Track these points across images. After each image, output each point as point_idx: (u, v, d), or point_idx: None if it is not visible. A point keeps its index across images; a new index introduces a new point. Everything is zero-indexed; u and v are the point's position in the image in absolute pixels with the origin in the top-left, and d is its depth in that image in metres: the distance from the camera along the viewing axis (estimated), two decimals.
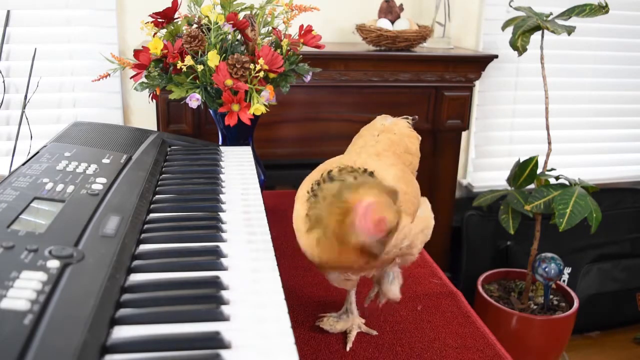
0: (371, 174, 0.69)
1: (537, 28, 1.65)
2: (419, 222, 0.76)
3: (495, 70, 2.17)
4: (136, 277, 0.60)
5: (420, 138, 0.89)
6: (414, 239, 0.74)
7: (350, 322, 0.85)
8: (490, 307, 1.81)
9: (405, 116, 0.91)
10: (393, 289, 0.82)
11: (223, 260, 0.65)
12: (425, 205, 0.79)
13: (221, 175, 0.94)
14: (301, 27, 1.16)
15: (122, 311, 0.54)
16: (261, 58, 1.04)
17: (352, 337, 0.83)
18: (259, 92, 1.06)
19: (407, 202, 0.72)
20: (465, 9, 2.14)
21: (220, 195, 0.84)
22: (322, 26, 1.93)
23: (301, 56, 1.18)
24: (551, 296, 1.89)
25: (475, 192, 2.20)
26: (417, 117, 0.92)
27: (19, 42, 1.80)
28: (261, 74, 1.05)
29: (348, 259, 0.66)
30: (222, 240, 0.71)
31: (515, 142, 2.32)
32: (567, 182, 1.69)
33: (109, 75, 1.13)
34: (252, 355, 0.49)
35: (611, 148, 2.46)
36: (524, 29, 1.64)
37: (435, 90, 1.89)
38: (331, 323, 0.85)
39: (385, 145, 0.81)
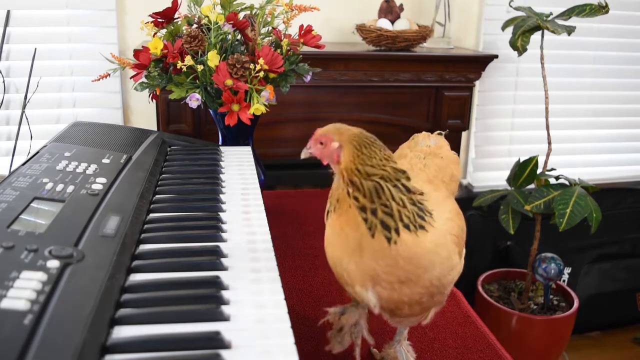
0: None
1: (537, 28, 1.65)
2: (461, 266, 0.72)
3: (495, 70, 2.17)
4: (136, 277, 0.60)
5: (459, 161, 0.87)
6: (452, 284, 0.71)
7: (356, 315, 0.80)
8: (490, 307, 1.81)
9: (439, 132, 0.88)
10: None
11: (223, 260, 0.65)
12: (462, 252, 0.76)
13: (221, 175, 0.94)
14: (301, 27, 1.16)
15: (122, 311, 0.54)
16: (261, 58, 1.04)
17: (357, 353, 0.78)
18: (259, 92, 1.06)
19: (462, 240, 0.69)
20: (465, 9, 2.14)
21: (220, 195, 0.84)
22: (322, 26, 1.94)
23: (301, 56, 1.18)
24: (551, 296, 1.89)
25: (475, 192, 2.20)
26: (446, 131, 0.90)
27: (19, 42, 1.80)
28: (261, 74, 1.05)
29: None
30: (222, 240, 0.71)
31: (515, 142, 2.32)
32: (567, 182, 1.69)
33: (109, 75, 1.13)
34: (252, 355, 0.49)
35: (611, 148, 2.46)
36: (524, 29, 1.64)
37: (435, 90, 1.89)
38: (334, 312, 0.83)
39: (434, 172, 0.78)
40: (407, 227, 0.61)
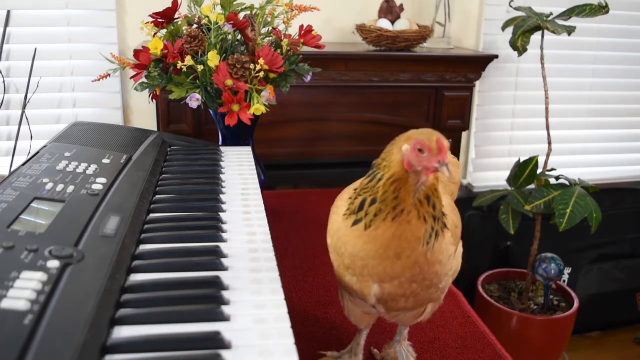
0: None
1: (537, 28, 1.65)
2: (457, 262, 0.73)
3: (495, 70, 2.17)
4: (136, 277, 0.60)
5: (459, 165, 0.88)
6: (449, 280, 0.71)
7: None
8: (490, 307, 1.81)
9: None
10: None
11: (223, 260, 0.65)
12: (459, 250, 0.76)
13: (221, 175, 0.94)
14: (301, 27, 1.16)
15: (122, 311, 0.53)
16: (261, 58, 1.04)
17: None
18: (259, 92, 1.06)
19: (456, 236, 0.71)
20: (465, 9, 2.14)
21: (220, 195, 0.84)
22: (322, 26, 1.94)
23: (301, 56, 1.18)
24: (551, 296, 1.89)
25: (475, 192, 2.20)
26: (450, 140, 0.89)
27: (19, 42, 1.80)
28: (261, 74, 1.05)
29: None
30: (222, 240, 0.71)
31: (515, 142, 2.32)
32: (567, 182, 1.69)
33: (109, 75, 1.13)
34: (252, 355, 0.49)
35: (611, 148, 2.46)
36: (524, 29, 1.64)
37: (435, 90, 1.89)
38: (332, 356, 0.82)
39: None
40: (442, 229, 0.64)
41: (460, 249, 0.75)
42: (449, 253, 0.67)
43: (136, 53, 1.08)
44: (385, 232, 0.62)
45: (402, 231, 0.62)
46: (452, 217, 0.70)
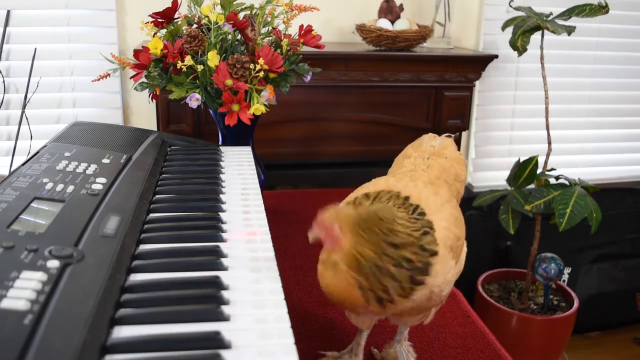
0: (416, 207, 0.65)
1: (537, 28, 1.65)
2: (460, 267, 0.71)
3: (495, 70, 2.17)
4: (136, 277, 0.60)
5: (467, 163, 0.85)
6: (452, 285, 0.69)
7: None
8: (490, 307, 1.81)
9: (447, 134, 0.86)
10: None
11: (223, 260, 0.65)
12: (464, 251, 0.74)
13: (221, 175, 0.94)
14: (301, 27, 1.16)
15: (122, 311, 0.54)
16: (261, 58, 1.04)
17: None
18: (259, 92, 1.06)
19: (458, 248, 0.68)
20: (465, 9, 2.14)
21: (220, 195, 0.84)
22: (322, 26, 1.94)
23: (301, 56, 1.18)
24: (551, 296, 1.89)
25: (475, 192, 2.20)
26: (457, 134, 0.88)
27: (19, 42, 1.80)
28: (261, 74, 1.05)
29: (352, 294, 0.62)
30: (222, 240, 0.71)
31: (515, 142, 2.32)
32: (567, 182, 1.69)
33: (109, 75, 1.13)
34: (252, 355, 0.49)
35: (611, 148, 2.46)
36: (524, 29, 1.64)
37: (435, 90, 1.89)
38: (332, 355, 0.82)
39: (437, 172, 0.77)
40: (401, 295, 0.61)
41: (463, 257, 0.73)
42: (448, 269, 0.65)
43: (136, 53, 1.08)
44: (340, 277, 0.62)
45: (341, 284, 0.62)
46: (455, 230, 0.67)
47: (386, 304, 0.61)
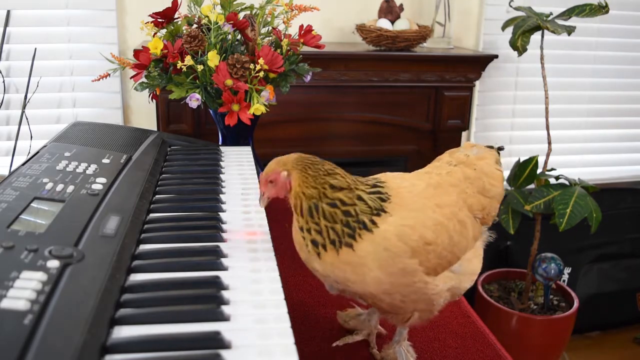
0: (384, 196, 0.65)
1: (537, 28, 1.65)
2: (447, 280, 0.67)
3: (495, 70, 2.17)
4: (136, 277, 0.60)
5: (505, 178, 0.81)
6: (436, 297, 0.66)
7: (364, 329, 0.82)
8: (490, 307, 1.81)
9: (495, 145, 0.81)
10: None
11: (223, 260, 0.65)
12: (471, 263, 0.70)
13: (221, 175, 0.94)
14: (301, 27, 1.16)
15: (122, 311, 0.53)
16: (261, 58, 1.04)
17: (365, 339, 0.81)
18: (259, 92, 1.06)
19: (429, 254, 0.64)
20: (465, 9, 2.14)
21: (220, 195, 0.84)
22: (322, 26, 1.93)
23: (301, 56, 1.18)
24: (551, 296, 1.89)
25: None
26: (504, 147, 0.84)
27: (19, 42, 1.80)
28: (261, 74, 1.05)
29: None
30: (222, 240, 0.70)
31: (515, 142, 2.32)
32: (567, 182, 1.69)
33: (109, 75, 1.13)
34: (252, 355, 0.49)
35: (611, 148, 2.46)
36: (524, 29, 1.64)
37: (435, 90, 1.89)
38: (345, 318, 0.84)
39: (455, 180, 0.72)
40: (333, 243, 0.63)
41: (472, 263, 0.71)
42: (402, 268, 0.63)
43: (136, 53, 1.08)
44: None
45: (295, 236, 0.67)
46: (421, 230, 0.64)
47: (321, 250, 0.63)
